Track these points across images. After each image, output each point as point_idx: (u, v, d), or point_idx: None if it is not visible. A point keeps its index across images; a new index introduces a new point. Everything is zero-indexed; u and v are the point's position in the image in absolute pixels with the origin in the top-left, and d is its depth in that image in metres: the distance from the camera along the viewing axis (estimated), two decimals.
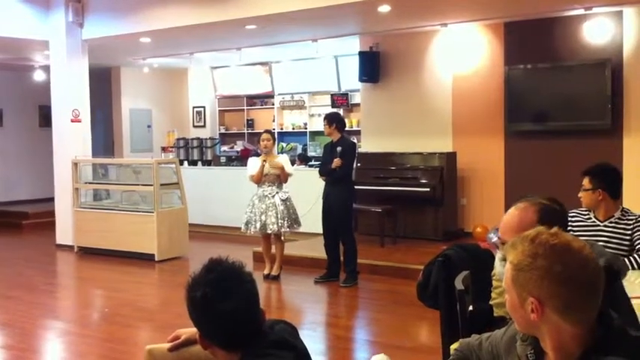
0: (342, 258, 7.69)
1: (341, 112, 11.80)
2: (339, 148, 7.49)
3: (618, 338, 1.67)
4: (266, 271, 7.90)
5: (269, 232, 7.76)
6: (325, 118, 7.75)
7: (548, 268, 1.64)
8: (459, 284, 3.00)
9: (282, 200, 7.77)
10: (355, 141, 11.00)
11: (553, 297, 1.64)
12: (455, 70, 9.57)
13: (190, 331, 2.20)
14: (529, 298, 1.67)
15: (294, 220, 7.85)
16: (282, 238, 7.97)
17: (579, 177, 4.26)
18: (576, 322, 1.66)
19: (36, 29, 10.08)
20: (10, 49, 11.05)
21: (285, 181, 7.86)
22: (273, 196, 7.75)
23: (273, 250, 8.02)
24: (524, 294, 1.68)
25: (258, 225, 7.72)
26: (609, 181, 4.18)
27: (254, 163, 7.84)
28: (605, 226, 4.14)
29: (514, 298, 1.72)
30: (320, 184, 7.86)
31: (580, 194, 4.21)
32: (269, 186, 7.79)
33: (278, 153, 10.11)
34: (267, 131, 8.20)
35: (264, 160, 7.73)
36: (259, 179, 7.75)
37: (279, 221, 7.69)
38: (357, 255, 7.67)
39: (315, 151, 12.23)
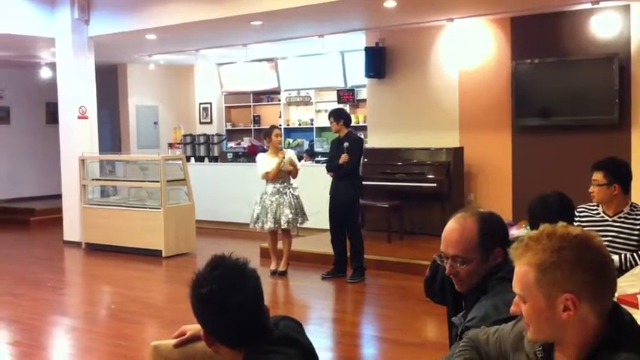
0: (348, 254, 7.68)
1: (347, 107, 11.80)
2: (346, 144, 7.47)
3: (629, 333, 1.65)
4: (273, 267, 7.90)
5: (283, 227, 7.78)
6: (331, 115, 7.73)
7: (578, 259, 1.62)
8: None
9: (294, 196, 7.82)
10: (361, 136, 11.05)
11: (586, 287, 1.61)
12: (461, 66, 9.53)
13: (196, 327, 2.19)
14: (561, 295, 1.61)
15: (303, 214, 7.91)
16: (296, 232, 8.00)
17: (587, 172, 4.22)
18: (599, 313, 1.64)
19: (42, 26, 10.09)
20: (17, 47, 11.07)
21: (295, 177, 7.89)
22: (285, 192, 7.78)
23: (280, 245, 8.03)
24: (555, 292, 1.62)
25: (271, 221, 7.73)
26: (624, 175, 4.14)
27: (266, 160, 7.83)
28: (614, 221, 4.11)
29: (539, 302, 1.65)
30: (327, 179, 7.85)
31: (592, 189, 4.14)
32: (282, 182, 7.80)
33: (284, 148, 10.10)
34: (277, 127, 8.30)
35: (284, 157, 7.75)
36: (276, 176, 7.75)
37: (293, 216, 7.72)
38: (364, 251, 7.66)
39: (321, 146, 12.21)
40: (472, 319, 2.32)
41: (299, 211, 7.84)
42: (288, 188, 7.85)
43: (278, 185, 7.80)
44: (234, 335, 1.96)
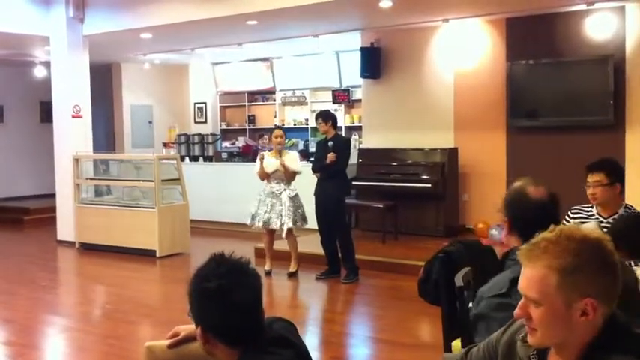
0: (340, 254, 7.66)
1: (342, 107, 11.84)
2: (330, 143, 7.49)
3: (624, 335, 1.64)
4: (267, 267, 7.89)
5: (272, 227, 7.75)
6: (319, 116, 7.72)
7: (598, 262, 1.58)
8: (458, 281, 3.00)
9: (290, 198, 7.75)
10: (356, 137, 11.06)
11: (604, 291, 1.59)
12: (456, 66, 9.54)
13: (190, 327, 2.18)
14: (581, 299, 1.56)
15: (300, 217, 7.82)
16: (293, 233, 7.94)
17: (582, 173, 4.20)
18: (606, 314, 1.61)
19: (37, 25, 10.06)
20: (11, 45, 11.03)
21: (291, 179, 7.81)
22: (280, 193, 7.75)
23: (275, 245, 8.01)
24: (575, 296, 1.56)
25: (262, 220, 7.72)
26: (623, 175, 4.15)
27: (260, 159, 7.85)
28: (608, 222, 4.10)
29: (557, 306, 1.58)
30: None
31: (593, 191, 4.07)
32: (277, 183, 7.77)
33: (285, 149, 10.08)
34: (279, 127, 8.25)
35: (280, 157, 7.73)
36: (264, 177, 7.75)
37: (284, 218, 7.68)
38: (355, 251, 7.64)
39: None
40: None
41: (292, 214, 7.73)
42: (285, 190, 7.80)
43: (274, 185, 7.77)
44: (233, 332, 1.96)
